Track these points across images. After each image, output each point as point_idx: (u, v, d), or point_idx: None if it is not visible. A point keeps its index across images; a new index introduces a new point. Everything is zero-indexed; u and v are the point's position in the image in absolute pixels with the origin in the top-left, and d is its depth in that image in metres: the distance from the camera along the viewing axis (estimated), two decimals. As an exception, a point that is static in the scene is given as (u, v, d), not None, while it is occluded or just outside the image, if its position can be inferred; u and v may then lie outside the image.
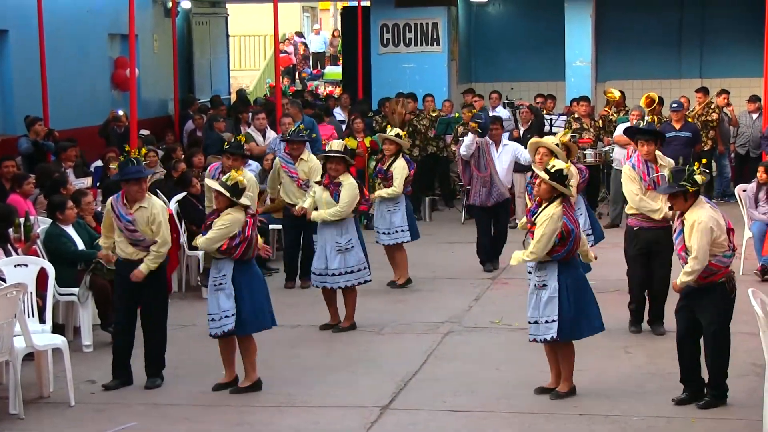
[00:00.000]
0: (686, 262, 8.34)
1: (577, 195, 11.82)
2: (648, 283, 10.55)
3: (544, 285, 8.66)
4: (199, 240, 9.09)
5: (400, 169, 12.76)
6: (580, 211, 11.90)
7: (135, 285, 9.17)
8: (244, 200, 9.03)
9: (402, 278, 12.97)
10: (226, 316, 8.98)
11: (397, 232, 12.87)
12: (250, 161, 14.97)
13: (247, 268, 9.10)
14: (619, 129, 16.53)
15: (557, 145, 10.98)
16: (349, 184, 10.95)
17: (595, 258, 9.45)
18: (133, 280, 9.12)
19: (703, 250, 8.22)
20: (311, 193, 11.42)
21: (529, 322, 8.80)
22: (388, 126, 13.85)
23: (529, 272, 8.96)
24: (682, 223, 8.41)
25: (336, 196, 10.92)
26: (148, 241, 9.16)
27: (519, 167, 16.48)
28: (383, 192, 12.78)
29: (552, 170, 8.61)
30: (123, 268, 9.26)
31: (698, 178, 8.31)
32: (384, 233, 12.88)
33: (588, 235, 11.94)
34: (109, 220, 9.29)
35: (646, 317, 10.75)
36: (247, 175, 12.25)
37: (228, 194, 8.95)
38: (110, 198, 9.42)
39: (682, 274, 8.39)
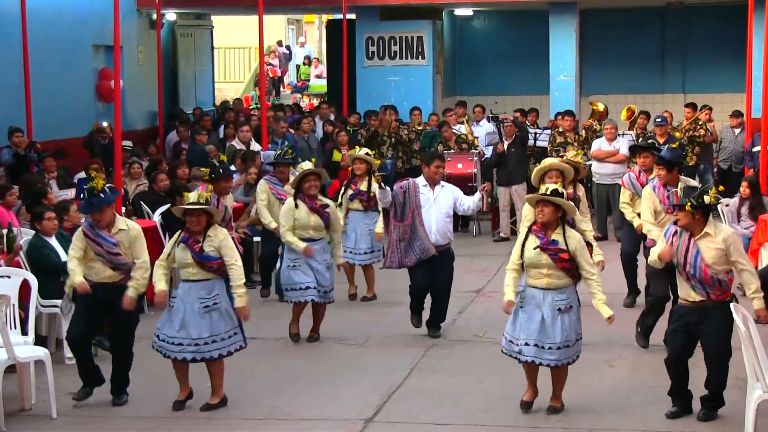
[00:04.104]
0: (709, 283, 8.32)
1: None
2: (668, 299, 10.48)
3: (570, 306, 8.61)
4: (240, 276, 8.89)
5: (375, 189, 12.73)
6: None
7: (102, 305, 9.06)
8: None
9: (371, 292, 13.11)
10: (235, 334, 9.01)
11: (374, 251, 12.94)
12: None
13: (227, 286, 9.05)
14: (595, 145, 16.74)
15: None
16: (332, 205, 11.24)
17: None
18: (126, 308, 8.93)
19: (749, 261, 8.35)
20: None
21: (558, 347, 8.58)
22: (357, 146, 13.88)
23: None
24: (696, 243, 8.36)
25: (326, 219, 11.04)
26: (129, 264, 9.07)
27: (503, 180, 16.60)
28: (378, 229, 12.57)
29: (548, 191, 8.57)
30: (98, 289, 9.05)
31: (706, 198, 8.28)
32: (366, 253, 12.93)
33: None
34: (81, 246, 9.04)
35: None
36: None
37: (208, 209, 8.89)
38: (81, 227, 9.23)
39: (759, 300, 8.31)
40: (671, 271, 9.97)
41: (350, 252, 12.82)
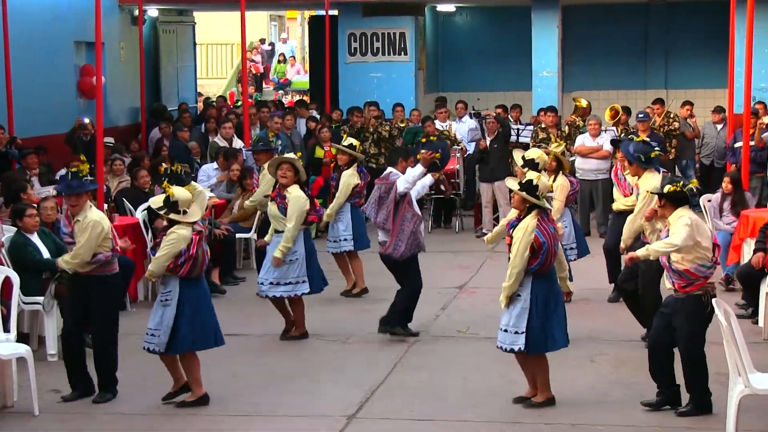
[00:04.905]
0: (670, 272, 8.45)
1: (565, 207, 11.95)
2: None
3: (518, 295, 8.69)
4: (150, 267, 8.94)
5: (345, 178, 12.81)
6: (566, 223, 11.97)
7: (82, 297, 9.08)
8: (189, 216, 8.89)
9: (358, 288, 12.99)
10: (155, 336, 8.91)
11: (339, 240, 12.93)
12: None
13: (194, 286, 8.94)
14: (579, 140, 16.80)
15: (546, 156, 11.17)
16: (294, 197, 10.80)
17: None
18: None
19: (680, 237, 8.29)
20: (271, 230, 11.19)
21: (500, 330, 8.83)
22: (344, 135, 13.87)
23: None
24: (667, 231, 8.52)
25: (282, 209, 10.83)
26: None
27: (485, 176, 16.59)
28: (329, 211, 12.85)
29: (523, 181, 8.74)
30: (75, 281, 9.18)
31: (667, 188, 8.47)
32: (331, 241, 12.97)
33: (571, 249, 11.99)
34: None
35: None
36: (198, 187, 12.22)
37: (162, 212, 8.90)
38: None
39: (644, 249, 8.63)
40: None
41: (331, 241, 12.94)
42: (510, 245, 8.70)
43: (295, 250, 10.90)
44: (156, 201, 9.06)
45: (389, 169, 11.05)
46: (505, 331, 8.76)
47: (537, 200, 8.66)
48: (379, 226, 10.84)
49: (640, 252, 8.66)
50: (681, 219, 8.40)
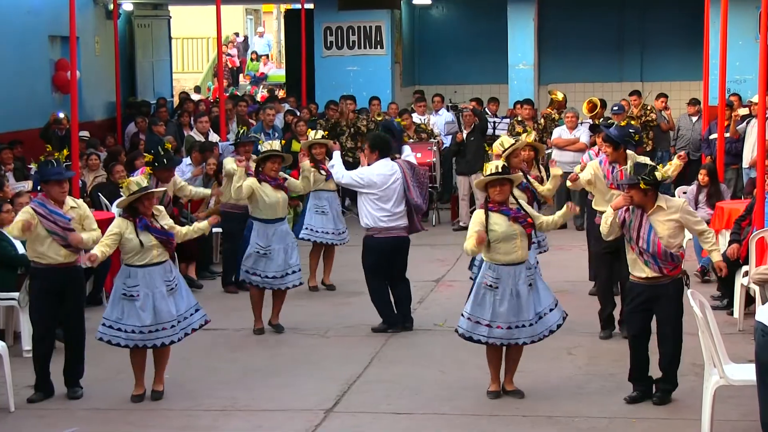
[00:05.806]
0: (662, 258, 8.43)
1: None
2: (613, 283, 10.66)
3: (531, 276, 8.78)
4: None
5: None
6: None
7: (57, 293, 8.99)
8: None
9: (327, 279, 13.17)
10: (196, 311, 9.08)
11: (342, 233, 12.99)
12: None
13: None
14: (556, 133, 16.84)
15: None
16: (288, 178, 11.26)
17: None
18: (92, 262, 8.70)
19: (701, 219, 8.62)
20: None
21: (531, 324, 8.70)
22: (309, 130, 13.90)
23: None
24: (648, 218, 8.49)
25: (289, 194, 11.16)
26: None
27: (462, 169, 16.62)
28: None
29: (498, 170, 8.67)
30: (52, 274, 8.97)
31: (657, 174, 8.43)
32: (336, 233, 12.96)
33: (543, 239, 12.00)
34: (25, 224, 8.84)
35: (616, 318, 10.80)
36: (177, 179, 12.29)
37: (156, 191, 9.11)
38: (30, 205, 9.06)
39: (716, 253, 8.65)
40: (613, 253, 10.10)
41: (321, 231, 12.87)
42: (531, 226, 8.74)
43: (293, 236, 11.17)
44: (140, 181, 8.96)
45: (385, 161, 11.01)
46: (540, 317, 8.75)
47: (514, 175, 8.83)
48: (421, 212, 11.27)
49: (716, 256, 8.68)
50: (684, 205, 8.56)
